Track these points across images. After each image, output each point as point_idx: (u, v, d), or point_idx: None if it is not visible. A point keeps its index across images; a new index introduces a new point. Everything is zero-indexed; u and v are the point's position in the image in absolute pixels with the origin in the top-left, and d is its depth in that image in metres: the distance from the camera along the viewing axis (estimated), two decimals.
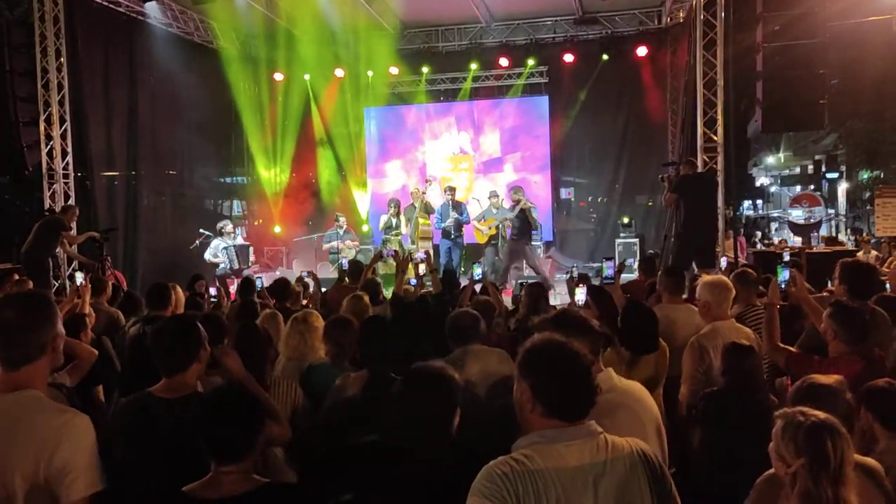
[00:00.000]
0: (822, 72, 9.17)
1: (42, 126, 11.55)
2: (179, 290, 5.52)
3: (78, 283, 5.22)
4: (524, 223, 11.97)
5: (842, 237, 20.22)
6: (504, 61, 15.29)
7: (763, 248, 14.24)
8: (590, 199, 16.63)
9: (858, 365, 3.40)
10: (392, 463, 2.26)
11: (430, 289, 6.84)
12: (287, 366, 4.08)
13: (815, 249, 10.80)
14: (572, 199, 16.70)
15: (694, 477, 3.53)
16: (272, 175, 16.51)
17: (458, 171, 16.25)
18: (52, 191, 11.72)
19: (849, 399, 2.50)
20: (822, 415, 2.14)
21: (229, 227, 12.80)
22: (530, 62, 15.22)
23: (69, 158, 11.90)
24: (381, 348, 3.42)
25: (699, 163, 10.70)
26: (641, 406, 2.70)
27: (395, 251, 8.99)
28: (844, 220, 23.64)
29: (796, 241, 14.89)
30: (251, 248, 13.16)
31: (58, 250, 10.34)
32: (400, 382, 2.42)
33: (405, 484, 2.21)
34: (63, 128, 11.80)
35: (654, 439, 2.63)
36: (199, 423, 2.20)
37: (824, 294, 5.27)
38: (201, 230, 13.30)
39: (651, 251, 11.49)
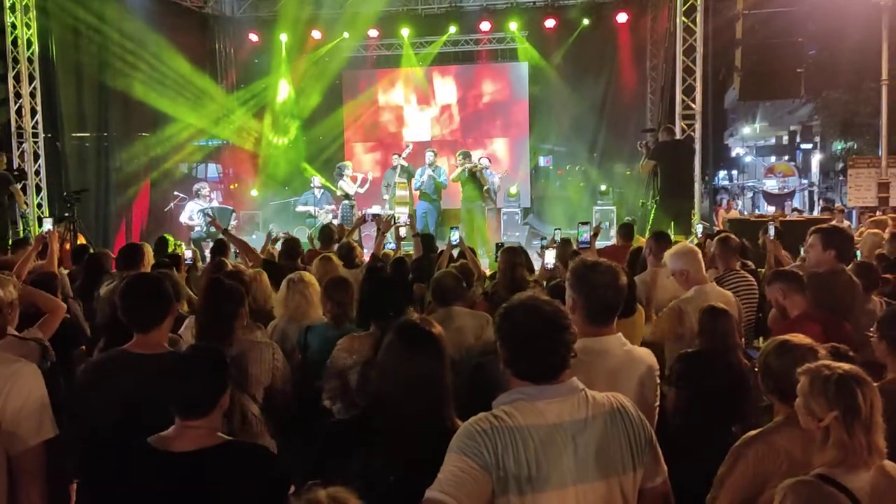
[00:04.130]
0: (801, 40, 9.20)
1: (11, 83, 11.27)
2: (150, 249, 5.46)
3: (45, 231, 5.11)
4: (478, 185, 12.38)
5: (814, 208, 20.52)
6: (485, 25, 15.11)
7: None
8: (567, 167, 16.62)
9: (817, 328, 3.46)
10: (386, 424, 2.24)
11: (411, 252, 6.85)
12: (287, 327, 4.00)
13: (787, 217, 10.93)
14: (550, 167, 16.68)
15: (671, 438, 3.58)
16: (248, 138, 16.27)
17: (436, 135, 16.14)
18: (20, 150, 11.48)
19: (822, 356, 2.53)
20: (846, 366, 2.17)
21: (205, 189, 12.61)
22: (511, 27, 15.06)
23: (38, 118, 11.64)
24: (388, 305, 3.37)
25: (677, 130, 10.74)
26: (636, 371, 2.68)
27: (377, 215, 8.94)
28: (817, 190, 23.90)
29: (769, 209, 15.06)
30: (233, 212, 12.94)
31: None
32: (390, 338, 2.37)
33: (396, 444, 2.19)
34: (32, 85, 11.52)
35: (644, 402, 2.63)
36: (166, 379, 2.21)
37: (797, 264, 5.32)
38: (176, 192, 13.13)
39: (628, 218, 11.55)
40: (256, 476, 2.15)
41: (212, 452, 2.14)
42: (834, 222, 11.46)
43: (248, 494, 2.11)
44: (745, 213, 18.78)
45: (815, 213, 12.12)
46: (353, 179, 13.20)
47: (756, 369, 2.77)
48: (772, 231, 5.84)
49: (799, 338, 2.64)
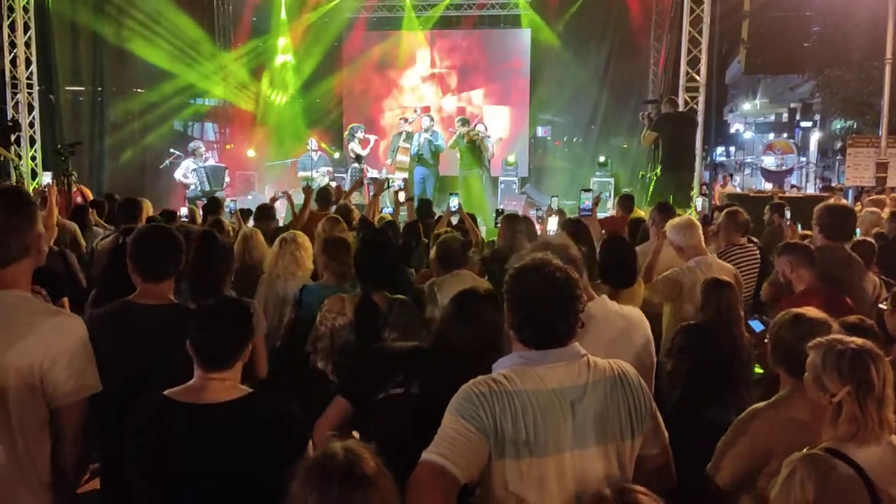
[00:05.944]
0: (809, 14, 9.11)
1: (6, 31, 11.08)
2: (149, 204, 5.46)
3: (44, 185, 5.08)
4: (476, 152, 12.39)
5: (810, 186, 20.51)
6: None
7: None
8: (565, 138, 16.52)
9: (817, 303, 3.46)
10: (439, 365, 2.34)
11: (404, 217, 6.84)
12: (275, 283, 4.14)
13: (786, 194, 10.90)
14: (549, 138, 16.57)
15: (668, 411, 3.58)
16: (246, 98, 16.07)
17: (435, 100, 15.98)
18: (15, 101, 11.33)
19: (835, 330, 2.51)
20: (859, 340, 2.15)
21: (202, 148, 12.48)
22: None
23: (33, 68, 11.46)
24: (376, 268, 3.39)
25: (680, 102, 10.65)
26: (635, 331, 2.73)
27: (375, 179, 8.91)
28: (814, 168, 23.88)
29: (766, 186, 15.02)
30: (227, 170, 12.81)
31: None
32: (456, 300, 2.48)
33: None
34: (27, 35, 11.33)
35: (643, 363, 2.68)
36: (190, 331, 2.19)
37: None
38: (171, 150, 13.00)
39: (627, 189, 11.51)
40: (284, 428, 2.16)
41: (242, 404, 2.16)
42: (832, 201, 11.48)
43: (277, 445, 2.12)
44: (741, 189, 18.76)
45: (813, 191, 12.09)
46: (365, 143, 13.11)
47: (765, 341, 2.77)
48: (788, 215, 5.82)
49: (813, 311, 2.61)
